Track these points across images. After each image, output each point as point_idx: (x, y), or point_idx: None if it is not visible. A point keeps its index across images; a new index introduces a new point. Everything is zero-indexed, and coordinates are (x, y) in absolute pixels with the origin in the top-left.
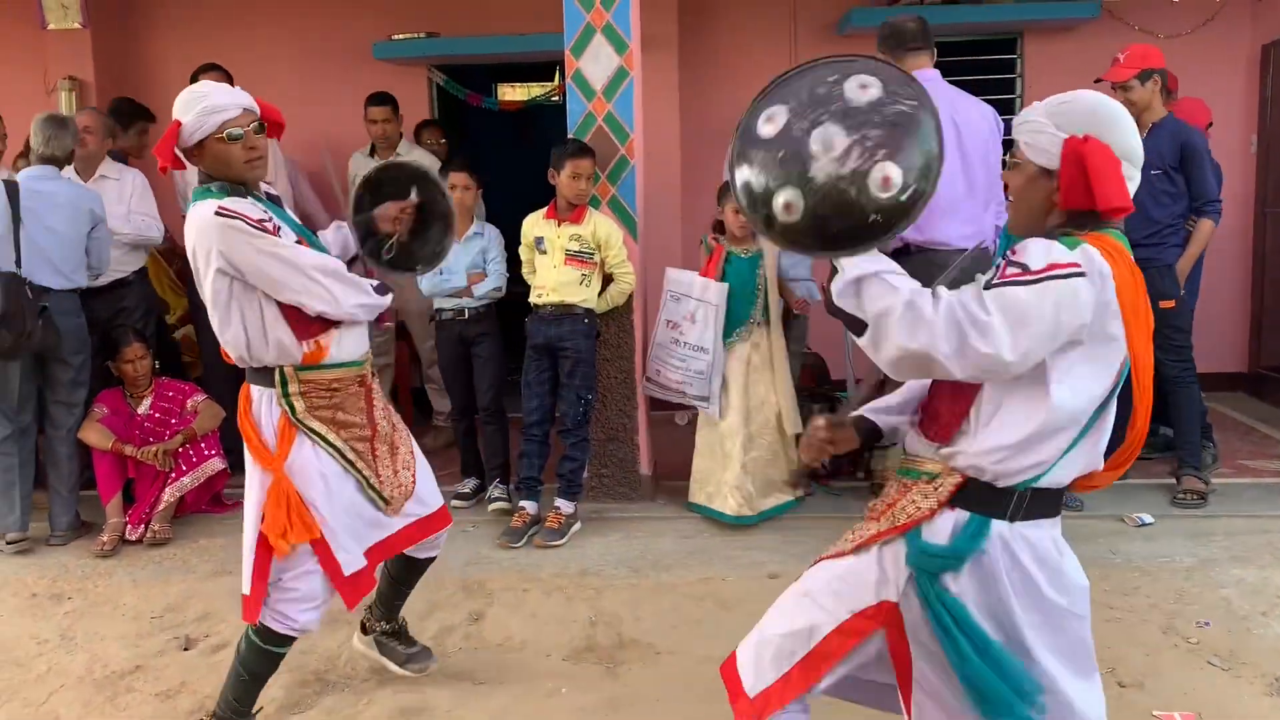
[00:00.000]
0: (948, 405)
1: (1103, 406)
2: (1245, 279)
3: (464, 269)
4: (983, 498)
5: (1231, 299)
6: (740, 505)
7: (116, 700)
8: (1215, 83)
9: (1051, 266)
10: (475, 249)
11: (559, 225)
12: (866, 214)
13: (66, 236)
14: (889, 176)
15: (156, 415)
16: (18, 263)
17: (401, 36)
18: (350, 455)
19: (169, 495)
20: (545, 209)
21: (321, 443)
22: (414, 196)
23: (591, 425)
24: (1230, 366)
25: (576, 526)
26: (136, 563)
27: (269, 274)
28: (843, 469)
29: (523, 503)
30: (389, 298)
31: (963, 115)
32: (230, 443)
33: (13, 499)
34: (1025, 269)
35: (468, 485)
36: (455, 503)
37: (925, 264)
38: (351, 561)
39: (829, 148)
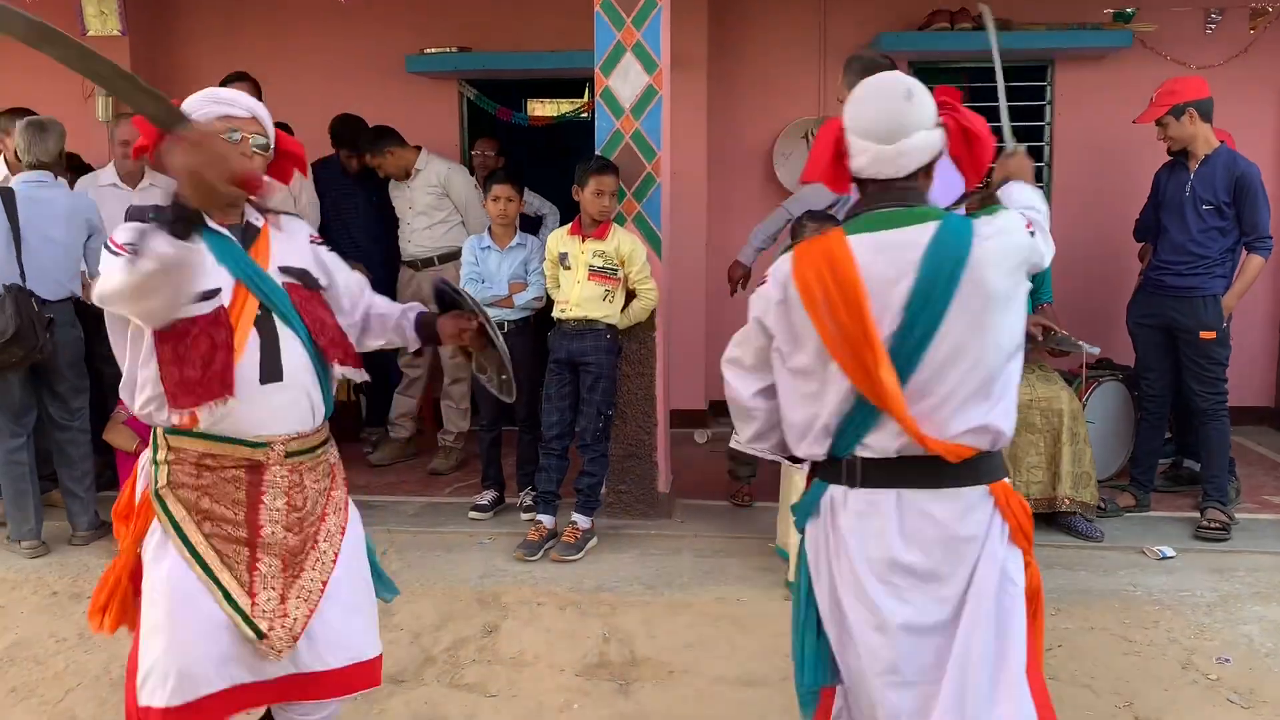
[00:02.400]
0: None
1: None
2: (1273, 313)
3: (506, 278)
4: (825, 468)
5: (1258, 333)
6: None
7: None
8: (1247, 115)
9: (758, 282)
10: (518, 259)
11: (583, 241)
12: None
13: (64, 245)
14: None
15: None
16: (21, 275)
17: (433, 50)
18: (207, 557)
19: None
20: (570, 225)
21: (174, 534)
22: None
23: (611, 441)
24: (1256, 401)
25: (593, 542)
26: None
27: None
28: None
29: (540, 516)
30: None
31: None
32: None
33: (27, 507)
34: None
35: (486, 498)
36: (473, 514)
37: None
38: (174, 687)
39: None
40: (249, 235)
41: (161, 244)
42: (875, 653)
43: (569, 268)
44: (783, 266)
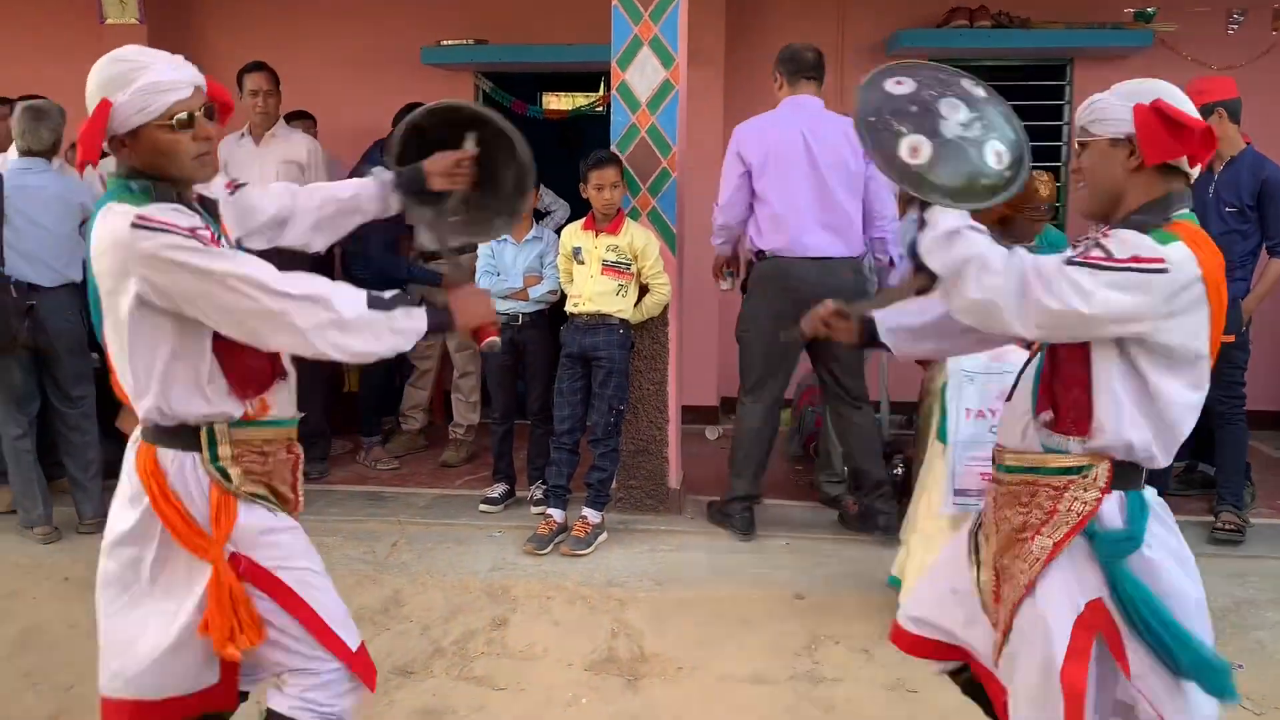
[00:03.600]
0: (1066, 396)
1: None
2: None
3: (521, 271)
4: (1130, 474)
5: (1273, 336)
6: None
7: None
8: (1269, 116)
9: (1135, 259)
10: (533, 253)
11: (596, 236)
12: (978, 176)
13: (56, 232)
14: (1000, 152)
15: None
16: (0, 259)
17: (449, 42)
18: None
19: None
20: (583, 220)
21: (266, 503)
22: (470, 145)
23: (622, 436)
24: (1271, 405)
25: (603, 537)
26: None
27: (213, 301)
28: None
29: (550, 510)
30: (421, 319)
31: (819, 132)
32: None
33: (34, 494)
34: (1109, 255)
35: (496, 491)
36: (483, 507)
37: (774, 270)
38: (351, 634)
39: (955, 112)
40: (212, 210)
41: (417, 323)
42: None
43: (582, 262)
44: (1180, 252)
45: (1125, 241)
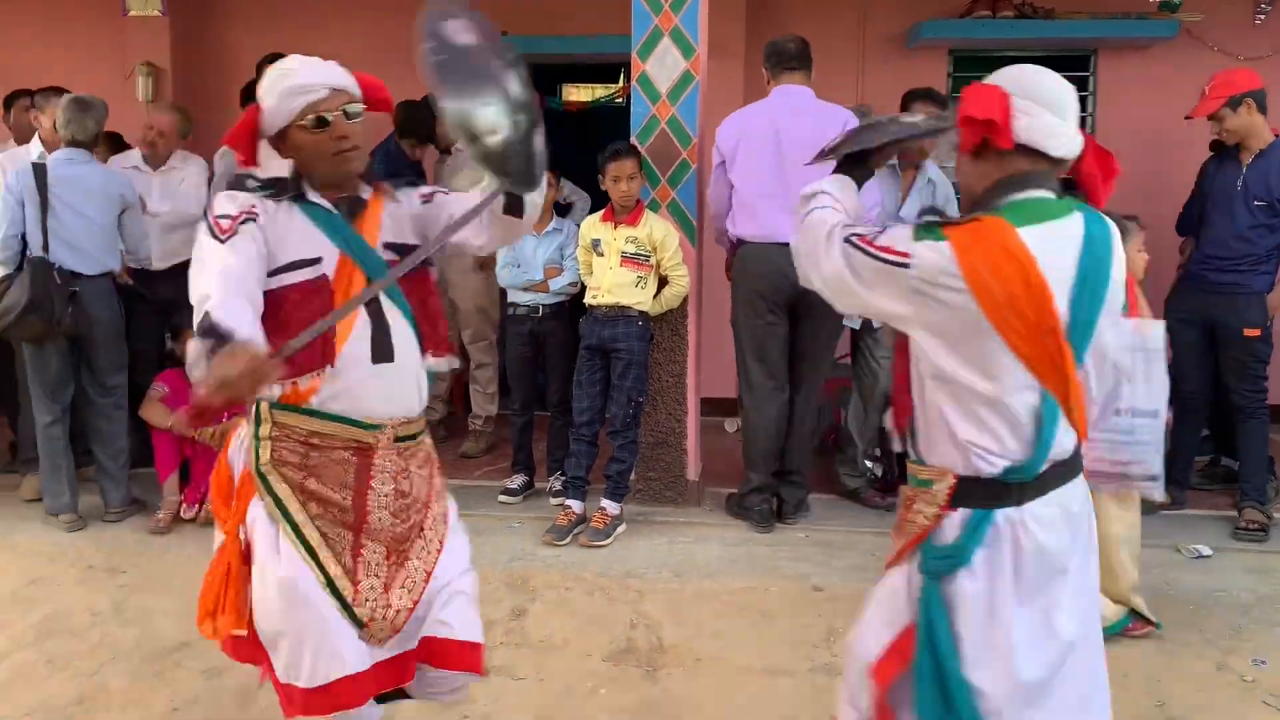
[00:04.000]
0: (898, 401)
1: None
2: None
3: (541, 263)
4: (974, 491)
5: None
6: None
7: (164, 675)
8: None
9: (887, 250)
10: (554, 244)
11: (615, 228)
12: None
13: (97, 221)
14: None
15: None
16: (45, 247)
17: None
18: (311, 539)
19: None
20: (602, 211)
21: (279, 514)
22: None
23: (640, 428)
24: None
25: (621, 528)
26: (190, 541)
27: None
28: (896, 485)
29: (569, 501)
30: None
31: (792, 120)
32: None
33: (61, 480)
34: (871, 241)
35: (516, 482)
36: (502, 498)
37: (749, 256)
38: (314, 669)
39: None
40: (355, 208)
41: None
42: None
43: (602, 254)
44: (934, 248)
45: (894, 234)
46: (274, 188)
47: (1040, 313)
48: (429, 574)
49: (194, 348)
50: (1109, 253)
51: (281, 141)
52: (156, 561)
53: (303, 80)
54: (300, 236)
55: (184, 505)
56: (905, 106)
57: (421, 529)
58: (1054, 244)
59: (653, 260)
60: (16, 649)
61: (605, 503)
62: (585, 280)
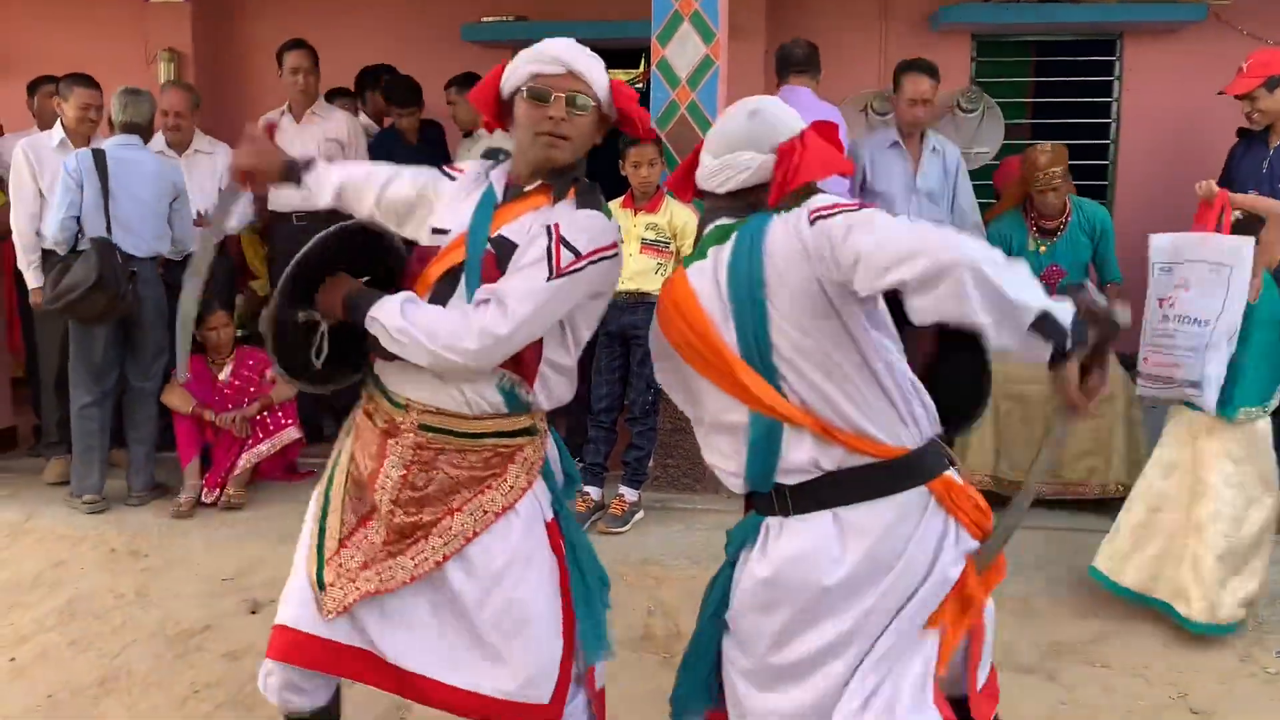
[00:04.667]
0: None
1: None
2: None
3: None
4: (754, 499)
5: None
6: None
7: (187, 658)
8: None
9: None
10: None
11: (635, 214)
12: None
13: (150, 205)
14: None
15: (236, 383)
16: (107, 229)
17: (490, 19)
18: (334, 494)
19: (245, 461)
20: (622, 198)
21: (333, 457)
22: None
23: (659, 415)
24: None
25: (639, 515)
26: (211, 525)
27: None
28: None
29: (587, 488)
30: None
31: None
32: (306, 413)
33: (92, 463)
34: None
35: None
36: None
37: None
38: (286, 614)
39: None
40: (512, 196)
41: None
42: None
43: (621, 241)
44: (654, 321)
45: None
46: (493, 161)
47: (706, 342)
48: (413, 578)
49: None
50: (756, 251)
51: (508, 109)
52: (178, 545)
53: (543, 49)
54: (457, 209)
55: (205, 490)
56: (896, 79)
57: (428, 533)
58: (708, 272)
59: (673, 247)
60: (40, 631)
61: (623, 489)
62: None
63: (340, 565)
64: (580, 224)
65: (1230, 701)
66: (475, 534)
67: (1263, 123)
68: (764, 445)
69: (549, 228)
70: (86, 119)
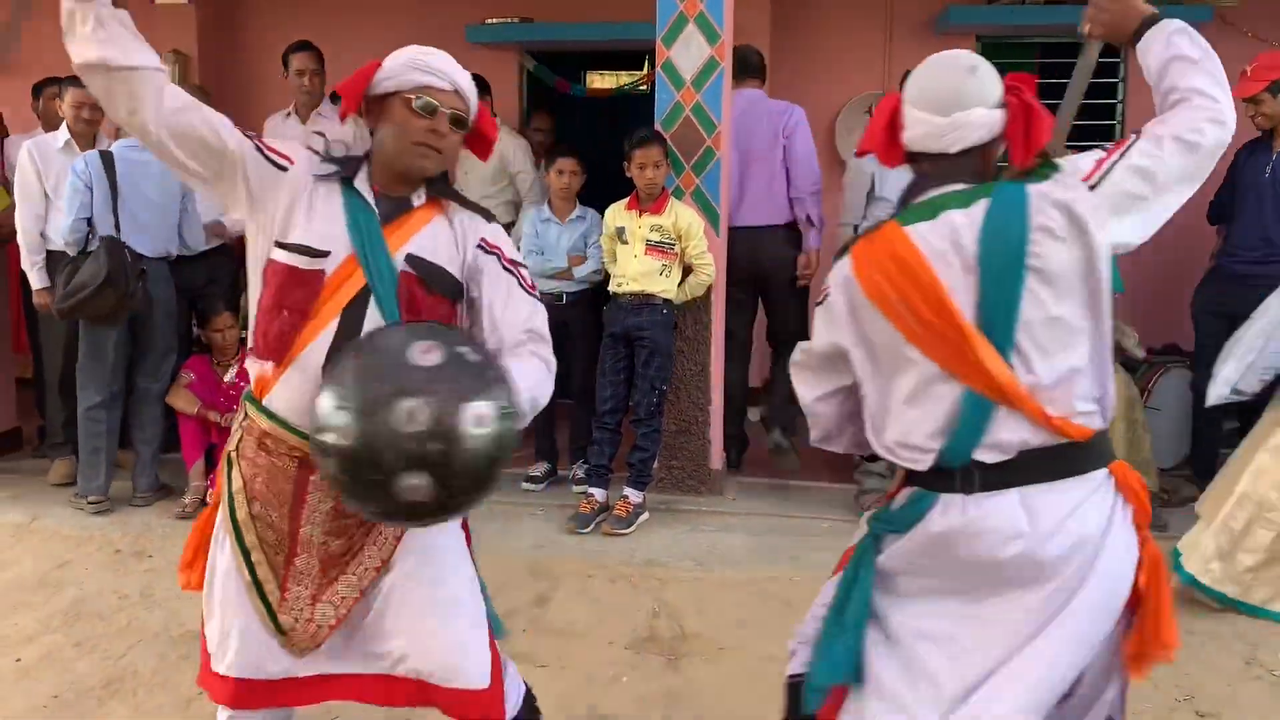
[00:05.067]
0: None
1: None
2: None
3: (565, 251)
4: (926, 476)
5: None
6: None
7: (191, 658)
8: None
9: (823, 291)
10: (577, 232)
11: (640, 215)
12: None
13: (159, 205)
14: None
15: (242, 384)
16: (116, 228)
17: (495, 21)
18: (248, 540)
19: None
20: (627, 199)
21: (226, 507)
22: None
23: (664, 416)
24: None
25: (644, 516)
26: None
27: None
28: None
29: (592, 489)
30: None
31: (743, 119)
32: None
33: (98, 464)
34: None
35: (539, 469)
36: (526, 485)
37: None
38: (230, 660)
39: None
40: (395, 211)
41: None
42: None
43: (626, 242)
44: (842, 272)
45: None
46: (339, 167)
47: (936, 306)
48: (362, 593)
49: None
50: (1019, 221)
51: (378, 105)
52: (182, 546)
53: (428, 60)
54: (325, 223)
55: (210, 491)
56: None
57: (363, 546)
58: (943, 235)
59: (677, 248)
60: (45, 632)
61: (628, 491)
62: (609, 268)
63: (291, 607)
64: (503, 238)
65: (1236, 703)
66: (399, 537)
67: (1266, 126)
68: (974, 423)
69: (488, 246)
70: (80, 118)
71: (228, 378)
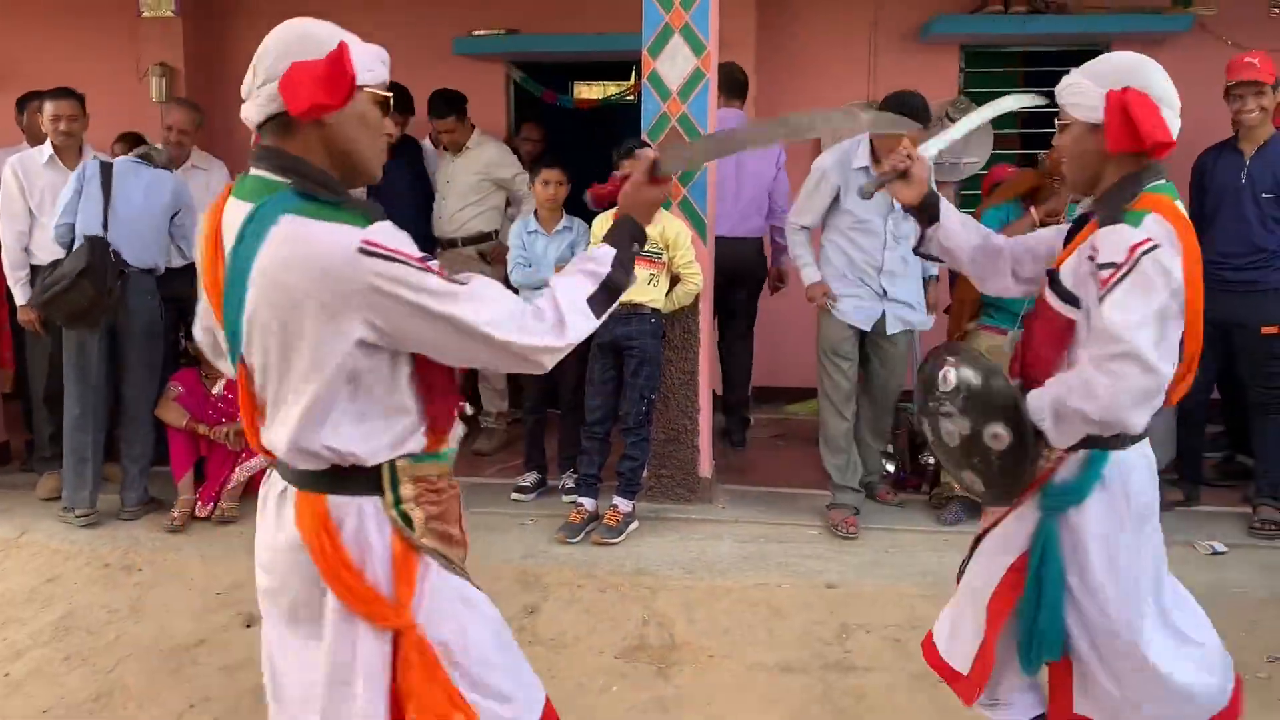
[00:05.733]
0: (1048, 354)
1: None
2: None
3: (553, 262)
4: (1099, 438)
5: None
6: None
7: (181, 671)
8: None
9: (1132, 249)
10: (564, 243)
11: None
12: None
13: (147, 217)
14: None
15: (230, 396)
16: (104, 228)
17: (481, 32)
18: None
19: (239, 475)
20: (615, 209)
21: (450, 567)
22: None
23: (653, 425)
24: None
25: (634, 525)
26: (205, 539)
27: (442, 344)
28: (908, 482)
29: (581, 499)
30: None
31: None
32: None
33: (85, 476)
34: (1115, 266)
35: (529, 479)
36: (515, 495)
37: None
38: (530, 700)
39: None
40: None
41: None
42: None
43: None
44: (1157, 225)
45: (1114, 242)
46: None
47: (1194, 283)
48: None
49: (622, 284)
50: None
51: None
52: (172, 559)
53: (382, 53)
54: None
55: (199, 504)
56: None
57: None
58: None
59: (665, 258)
60: (34, 646)
61: (617, 500)
62: None
63: None
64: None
65: None
66: None
67: (1252, 122)
68: None
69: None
70: (59, 130)
71: (216, 390)
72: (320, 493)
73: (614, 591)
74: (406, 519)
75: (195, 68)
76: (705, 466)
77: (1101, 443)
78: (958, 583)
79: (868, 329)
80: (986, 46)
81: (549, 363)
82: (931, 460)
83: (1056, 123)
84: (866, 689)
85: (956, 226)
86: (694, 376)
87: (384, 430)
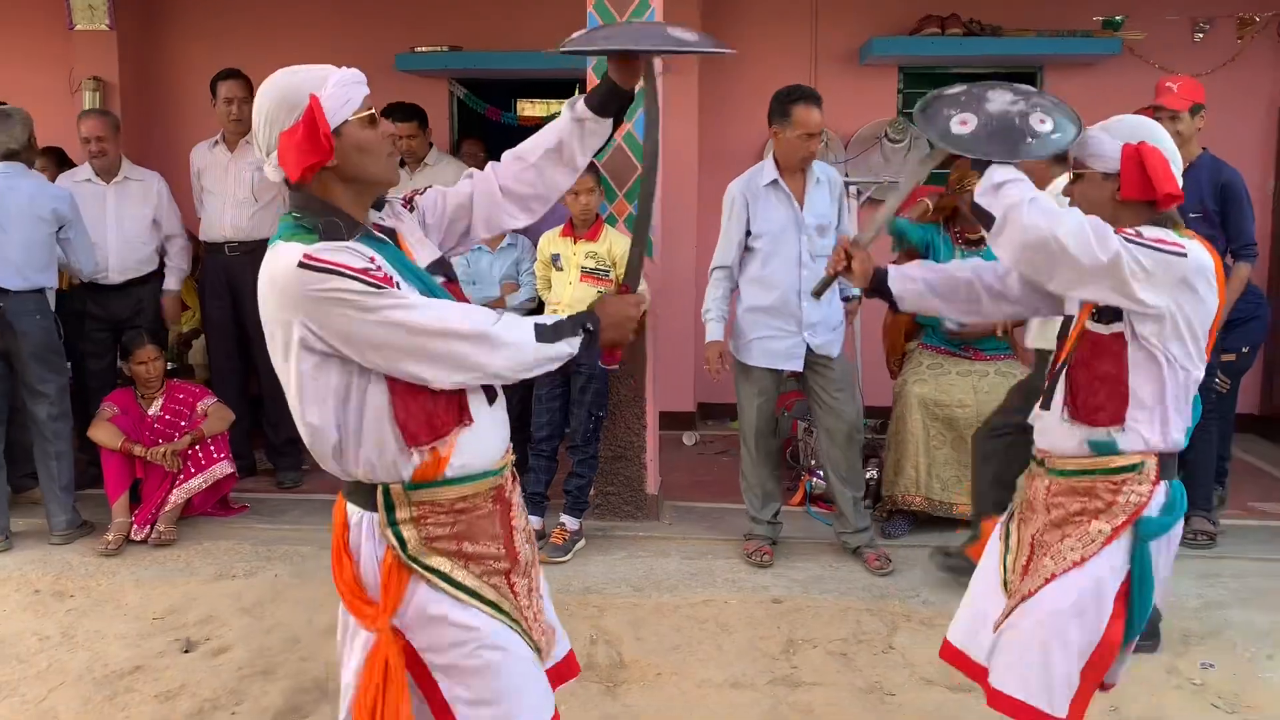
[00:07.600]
0: (1100, 390)
1: None
2: None
3: (499, 279)
4: (1169, 465)
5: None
6: None
7: (116, 700)
8: (1234, 124)
9: (1160, 241)
10: (509, 259)
11: (575, 242)
12: (1024, 135)
13: (26, 236)
14: (1045, 119)
15: (167, 416)
16: None
17: (424, 49)
18: (491, 595)
19: (176, 497)
20: (561, 226)
21: (448, 586)
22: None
23: (600, 443)
24: (1243, 408)
25: (581, 543)
26: (141, 563)
27: (382, 345)
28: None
29: (528, 518)
30: (573, 346)
31: None
32: (239, 447)
33: None
34: (1140, 235)
35: None
36: None
37: None
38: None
39: (1002, 98)
40: (392, 236)
41: (567, 348)
42: None
43: (561, 269)
44: (1204, 255)
45: (1154, 232)
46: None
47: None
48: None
49: (565, 347)
50: None
51: (335, 140)
52: (106, 584)
53: (354, 73)
54: (409, 290)
55: (135, 527)
56: (783, 110)
57: (534, 547)
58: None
59: (612, 275)
60: None
61: (564, 518)
62: (544, 295)
63: (536, 627)
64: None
65: (1160, 713)
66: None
67: (1178, 143)
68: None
69: (413, 203)
70: None
71: (152, 410)
72: (344, 496)
73: (561, 610)
74: (400, 538)
75: (130, 81)
76: (652, 483)
77: (1171, 473)
78: (966, 583)
79: (799, 368)
80: (924, 68)
81: (491, 363)
82: (873, 475)
83: (1071, 173)
84: (814, 704)
85: (918, 286)
86: (640, 393)
87: (376, 457)
